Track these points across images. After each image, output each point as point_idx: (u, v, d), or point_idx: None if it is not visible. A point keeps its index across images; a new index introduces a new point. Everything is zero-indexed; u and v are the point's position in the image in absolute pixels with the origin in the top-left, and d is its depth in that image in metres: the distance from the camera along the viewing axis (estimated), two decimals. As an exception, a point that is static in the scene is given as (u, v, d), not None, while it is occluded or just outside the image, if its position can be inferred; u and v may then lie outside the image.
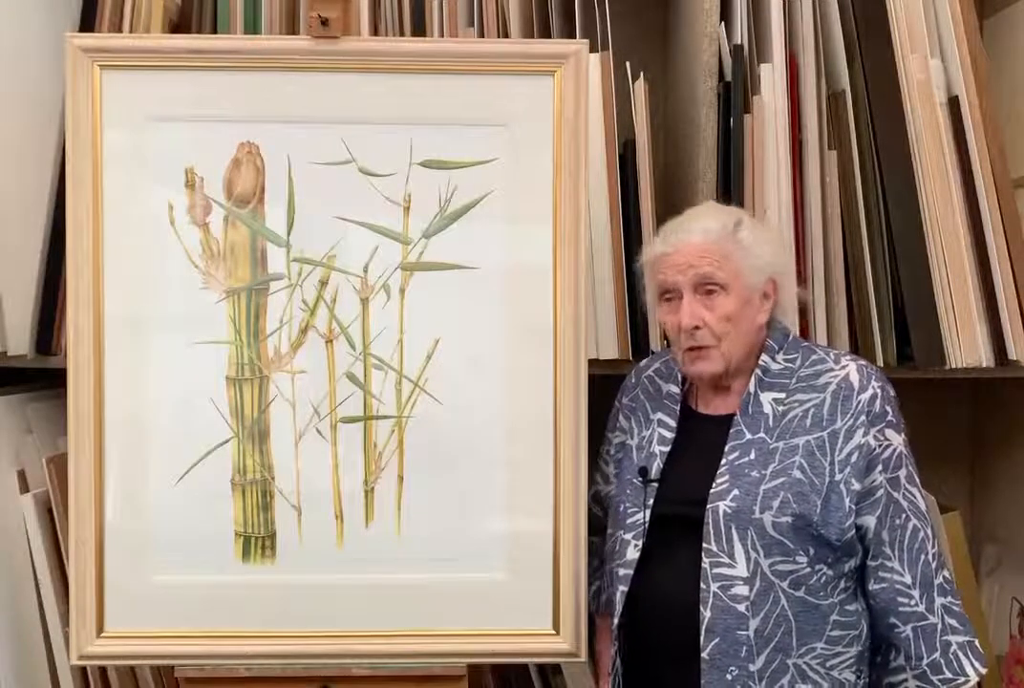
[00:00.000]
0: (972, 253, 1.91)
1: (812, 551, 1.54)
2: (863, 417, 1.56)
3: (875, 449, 1.56)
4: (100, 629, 1.70)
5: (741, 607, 1.52)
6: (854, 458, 1.55)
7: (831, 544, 1.54)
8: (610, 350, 1.94)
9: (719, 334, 1.57)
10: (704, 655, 1.52)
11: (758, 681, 1.52)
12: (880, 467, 1.56)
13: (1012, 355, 1.90)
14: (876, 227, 1.92)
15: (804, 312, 1.90)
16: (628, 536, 1.63)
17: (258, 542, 1.71)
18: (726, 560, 1.53)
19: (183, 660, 1.70)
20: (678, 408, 1.68)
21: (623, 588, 1.61)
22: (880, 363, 1.90)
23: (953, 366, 1.90)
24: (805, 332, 1.90)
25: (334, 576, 1.71)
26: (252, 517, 1.71)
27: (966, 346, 1.90)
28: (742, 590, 1.52)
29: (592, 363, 1.77)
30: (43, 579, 1.87)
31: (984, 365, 1.91)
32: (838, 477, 1.54)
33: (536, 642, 1.72)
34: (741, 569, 1.52)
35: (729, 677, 1.52)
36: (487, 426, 1.72)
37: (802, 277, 1.90)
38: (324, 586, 1.71)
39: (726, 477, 1.57)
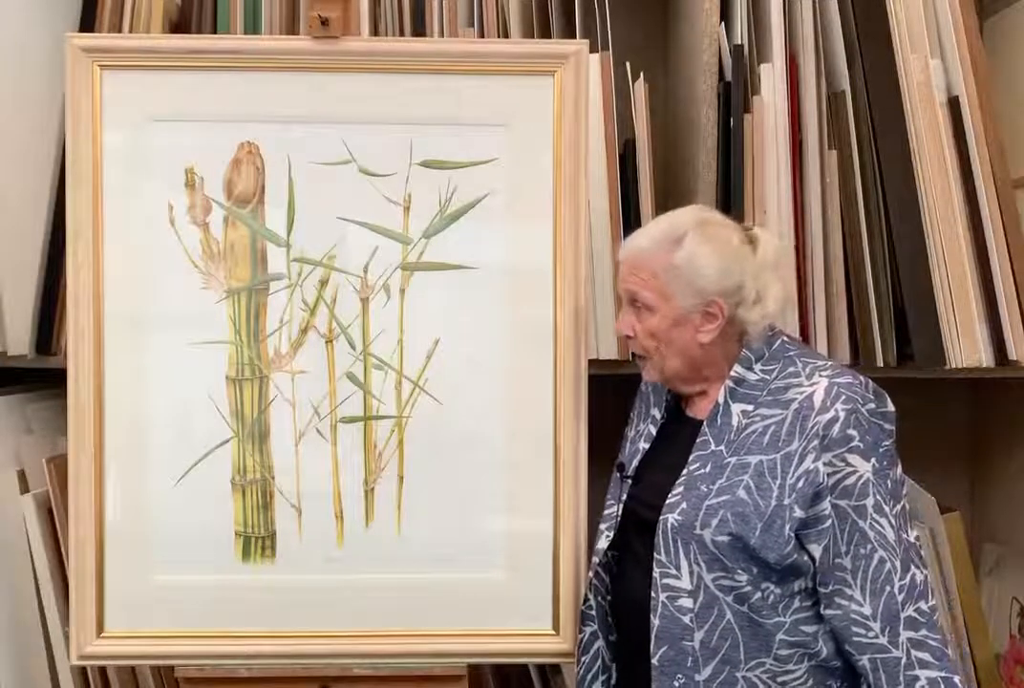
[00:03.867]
0: (972, 253, 1.91)
1: (755, 570, 1.49)
2: (815, 441, 1.47)
3: (825, 476, 1.47)
4: (100, 629, 1.70)
5: (686, 618, 1.50)
6: (800, 484, 1.47)
7: (771, 567, 1.49)
8: (610, 350, 1.94)
9: (646, 348, 1.58)
10: (654, 661, 1.52)
11: None
12: (840, 495, 1.47)
13: (1012, 355, 1.90)
14: (876, 227, 1.92)
15: (804, 312, 1.91)
16: (603, 526, 1.65)
17: (258, 542, 1.71)
18: (673, 571, 1.52)
19: (183, 660, 1.70)
20: (664, 406, 1.67)
21: (590, 574, 1.64)
22: (880, 363, 1.90)
23: (953, 366, 1.90)
24: (805, 332, 1.90)
25: (334, 576, 1.71)
26: (252, 517, 1.71)
27: (966, 346, 1.90)
28: (687, 602, 1.51)
29: (592, 363, 1.78)
30: (43, 579, 1.87)
31: (984, 365, 1.91)
32: (786, 502, 1.47)
33: (536, 642, 1.72)
34: (685, 582, 1.51)
35: (676, 685, 1.51)
36: (487, 426, 1.72)
37: (802, 277, 1.91)
38: (324, 586, 1.71)
39: (681, 489, 1.54)
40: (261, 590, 1.71)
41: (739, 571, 1.49)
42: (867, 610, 1.48)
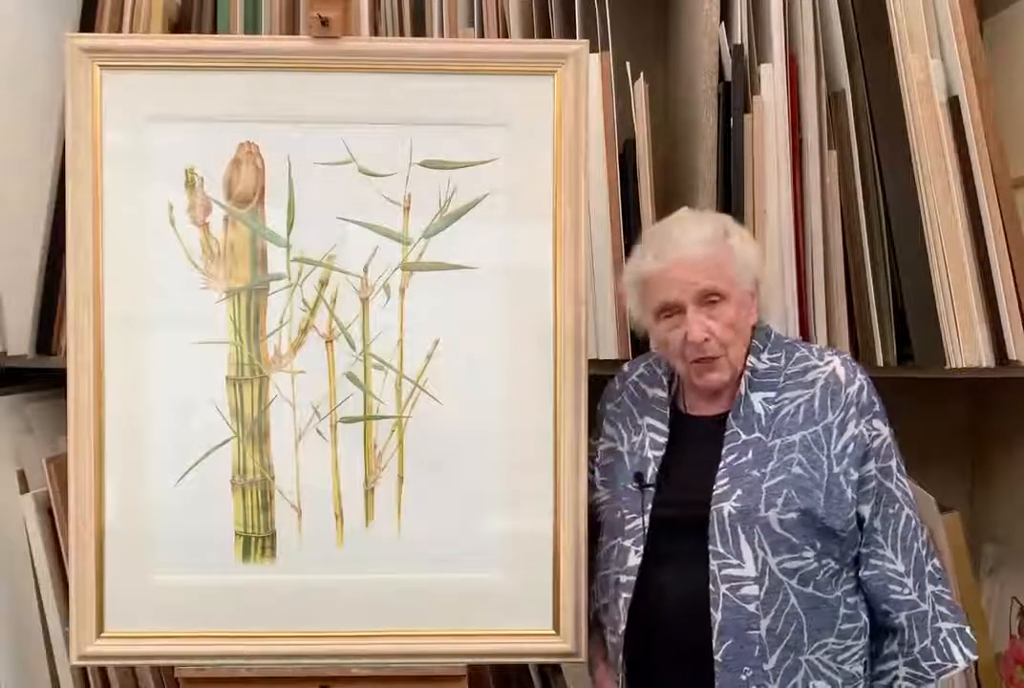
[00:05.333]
0: (972, 253, 1.91)
1: (819, 545, 1.54)
2: (853, 409, 1.58)
3: (868, 439, 1.58)
4: (100, 629, 1.70)
5: (751, 607, 1.52)
6: (850, 448, 1.57)
7: (837, 535, 1.55)
8: (610, 350, 1.94)
9: (725, 342, 1.58)
10: (717, 657, 1.52)
11: (772, 680, 1.52)
12: (873, 457, 1.58)
13: (1012, 355, 1.90)
14: (876, 227, 1.92)
15: (804, 312, 1.91)
16: (627, 542, 1.62)
17: (258, 542, 1.71)
18: (734, 561, 1.53)
19: (183, 660, 1.70)
20: (667, 412, 1.68)
21: (626, 595, 1.60)
22: (880, 363, 1.90)
23: (953, 366, 1.90)
24: (805, 332, 1.90)
25: (334, 576, 1.71)
26: (252, 517, 1.71)
27: (966, 346, 1.90)
28: (752, 590, 1.52)
29: (592, 363, 1.77)
30: (43, 579, 1.87)
31: (984, 365, 1.91)
32: (836, 469, 1.56)
33: (536, 642, 1.72)
34: (749, 569, 1.53)
35: (744, 677, 1.52)
36: (487, 426, 1.72)
37: (802, 277, 1.91)
38: (324, 586, 1.71)
39: (727, 479, 1.57)
40: (261, 590, 1.71)
41: (806, 548, 1.54)
42: (900, 567, 1.58)
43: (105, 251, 1.68)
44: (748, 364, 1.62)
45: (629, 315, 1.73)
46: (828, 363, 1.62)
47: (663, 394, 1.70)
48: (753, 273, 1.63)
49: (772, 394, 1.61)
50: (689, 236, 1.60)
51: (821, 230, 1.92)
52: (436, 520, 1.72)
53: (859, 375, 1.61)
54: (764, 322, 1.68)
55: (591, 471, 1.78)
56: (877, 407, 1.61)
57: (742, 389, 1.62)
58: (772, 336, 1.67)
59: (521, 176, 1.70)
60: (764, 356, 1.64)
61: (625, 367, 1.81)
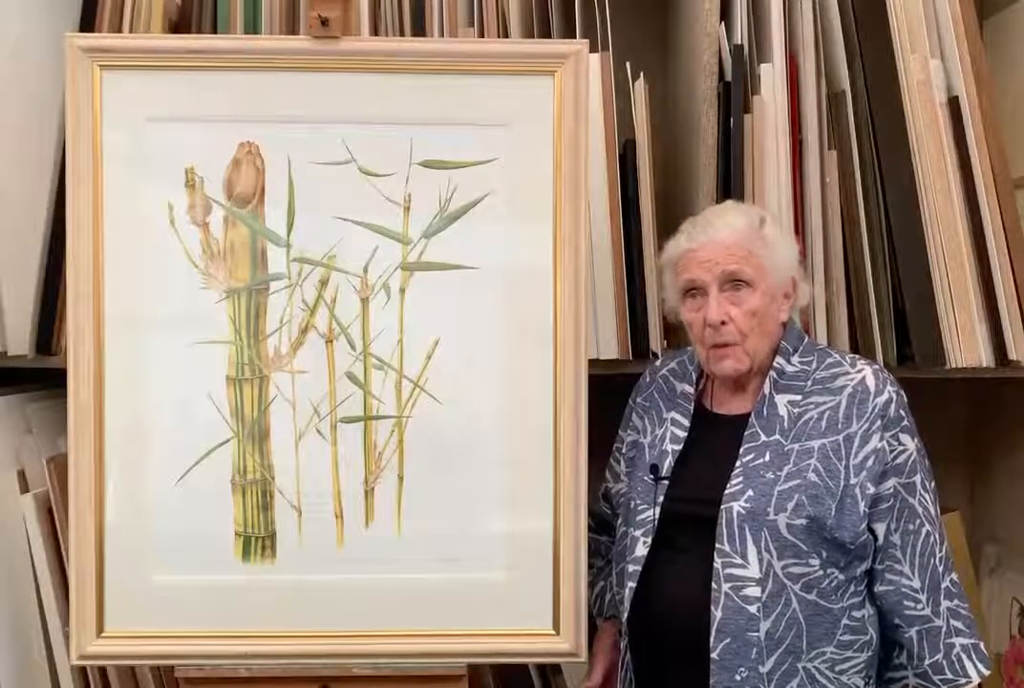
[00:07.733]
0: (972, 253, 1.91)
1: (824, 554, 1.53)
2: (879, 421, 1.56)
3: (890, 454, 1.55)
4: (100, 629, 1.70)
5: (752, 608, 1.51)
6: (870, 462, 1.55)
7: (844, 547, 1.53)
8: (610, 350, 1.94)
9: (745, 330, 1.57)
10: (714, 655, 1.52)
11: (767, 683, 1.52)
12: (895, 474, 1.55)
13: (1012, 355, 1.90)
14: (876, 227, 1.92)
15: (804, 312, 1.90)
16: (637, 533, 1.63)
17: (258, 542, 1.71)
18: (739, 561, 1.53)
19: (183, 660, 1.70)
20: (691, 407, 1.68)
21: (631, 585, 1.61)
22: (880, 363, 1.90)
23: (953, 366, 1.90)
24: (806, 332, 1.90)
25: (334, 576, 1.71)
26: (252, 517, 1.71)
27: (966, 346, 1.90)
28: (754, 591, 1.52)
29: (592, 363, 1.77)
30: (43, 579, 1.87)
31: (984, 365, 1.91)
32: (853, 481, 1.54)
33: (536, 642, 1.72)
34: (754, 570, 1.52)
35: (738, 678, 1.51)
36: (487, 426, 1.72)
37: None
38: (324, 586, 1.71)
39: (740, 478, 1.56)
40: (261, 590, 1.71)
41: (813, 555, 1.53)
42: (916, 583, 1.57)
43: (105, 251, 1.68)
44: (776, 365, 1.61)
45: (663, 302, 1.74)
46: (859, 371, 1.60)
47: (690, 389, 1.70)
48: (789, 271, 1.62)
49: (798, 397, 1.60)
50: (723, 220, 1.61)
51: (821, 230, 1.92)
52: (436, 520, 1.72)
53: (889, 387, 1.58)
54: (796, 324, 1.68)
55: (616, 461, 1.80)
56: (905, 421, 1.57)
57: (766, 389, 1.61)
58: (805, 340, 1.66)
59: (521, 176, 1.70)
60: (794, 359, 1.62)
61: (657, 361, 1.82)
